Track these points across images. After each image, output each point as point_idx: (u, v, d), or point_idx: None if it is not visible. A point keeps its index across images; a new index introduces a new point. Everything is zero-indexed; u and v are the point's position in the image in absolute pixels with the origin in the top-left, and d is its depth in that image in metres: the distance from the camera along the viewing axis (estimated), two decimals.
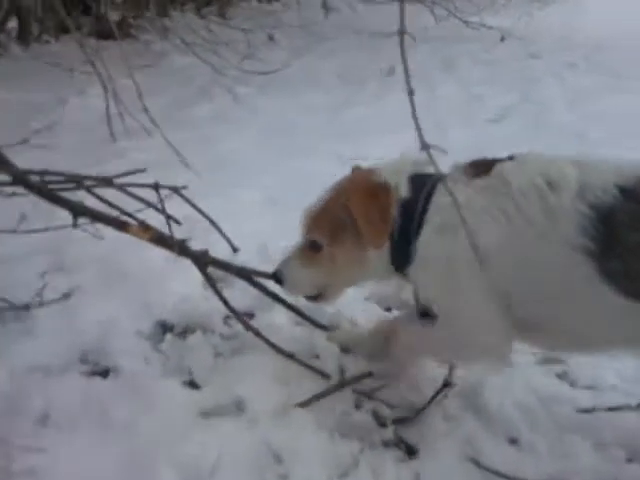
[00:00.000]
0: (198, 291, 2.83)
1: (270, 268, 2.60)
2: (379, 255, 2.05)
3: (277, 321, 2.56)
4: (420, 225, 1.96)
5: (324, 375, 2.23)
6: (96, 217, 2.57)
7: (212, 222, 3.02)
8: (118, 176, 2.84)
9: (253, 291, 2.67)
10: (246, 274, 2.63)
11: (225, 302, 2.47)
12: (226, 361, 2.38)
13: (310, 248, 2.13)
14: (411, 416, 2.10)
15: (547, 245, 1.77)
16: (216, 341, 2.51)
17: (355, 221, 2.01)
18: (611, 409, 2.14)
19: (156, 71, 6.55)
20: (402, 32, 1.77)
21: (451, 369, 2.21)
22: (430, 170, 1.85)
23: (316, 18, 8.58)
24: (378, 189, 2.02)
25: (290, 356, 2.29)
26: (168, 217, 2.61)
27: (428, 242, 1.95)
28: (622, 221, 1.69)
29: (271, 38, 7.69)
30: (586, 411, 2.13)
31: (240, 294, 2.78)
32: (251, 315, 2.69)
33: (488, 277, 1.82)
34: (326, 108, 5.42)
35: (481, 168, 1.95)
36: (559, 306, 1.83)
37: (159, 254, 3.10)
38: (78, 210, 2.50)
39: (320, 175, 2.42)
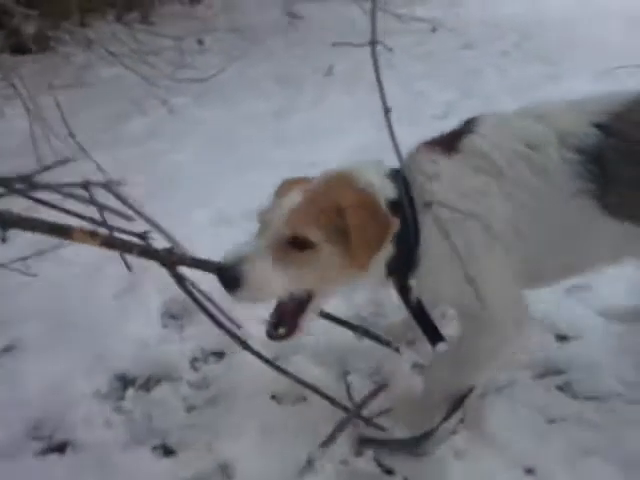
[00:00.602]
0: (158, 332, 2.56)
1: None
2: (375, 265, 1.83)
3: (250, 360, 2.29)
4: (416, 226, 1.81)
5: (337, 403, 1.99)
6: (31, 225, 2.00)
7: (152, 222, 2.53)
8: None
9: None
10: None
11: (201, 305, 2.13)
12: (201, 415, 2.11)
13: (290, 245, 1.74)
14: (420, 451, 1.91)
15: (550, 202, 1.79)
16: (186, 391, 2.24)
17: (348, 233, 1.73)
18: None
19: (81, 85, 6.12)
20: (374, 42, 1.59)
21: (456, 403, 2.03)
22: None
23: (246, 21, 8.29)
24: (379, 210, 1.79)
25: (297, 379, 2.00)
26: (102, 208, 2.17)
27: (434, 242, 1.79)
28: (610, 158, 1.74)
29: (201, 43, 7.35)
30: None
31: (206, 331, 2.51)
32: (220, 354, 2.43)
33: (504, 254, 1.82)
34: (268, 115, 5.16)
35: (442, 147, 1.87)
36: (570, 250, 1.88)
37: (108, 290, 2.81)
38: (8, 220, 1.94)
39: (274, 186, 2.16)
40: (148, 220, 2.49)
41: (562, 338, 2.39)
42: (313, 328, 2.46)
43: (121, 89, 5.90)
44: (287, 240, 1.74)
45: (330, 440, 1.89)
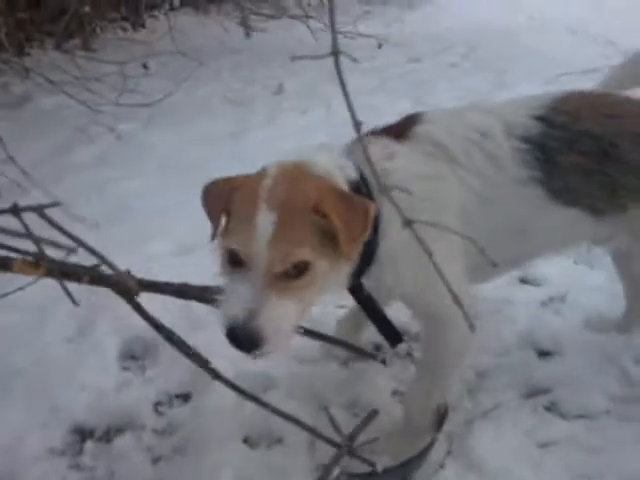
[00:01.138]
0: (116, 376, 2.37)
1: (200, 332, 2.20)
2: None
3: (219, 401, 2.14)
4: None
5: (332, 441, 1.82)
6: None
7: (95, 253, 2.25)
8: None
9: (187, 363, 2.23)
10: (192, 292, 2.05)
11: (165, 333, 1.92)
12: (168, 466, 1.94)
13: (289, 275, 1.56)
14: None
15: (502, 189, 1.82)
16: (150, 440, 2.06)
17: (332, 228, 1.57)
18: None
19: (21, 115, 5.84)
20: (336, 52, 1.48)
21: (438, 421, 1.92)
22: None
23: (190, 42, 8.14)
24: (354, 197, 1.68)
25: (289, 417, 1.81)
26: (38, 242, 1.94)
27: (392, 230, 1.72)
28: (553, 147, 1.81)
29: (146, 67, 7.15)
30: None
31: (169, 370, 2.35)
32: (186, 397, 2.26)
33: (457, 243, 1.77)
34: (222, 136, 5.01)
35: (392, 134, 1.84)
36: (521, 238, 1.90)
37: (59, 334, 2.60)
38: None
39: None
40: (90, 250, 2.22)
41: (544, 354, 2.32)
42: (283, 362, 2.33)
43: (64, 118, 5.66)
44: (287, 270, 1.55)
45: (325, 476, 1.75)
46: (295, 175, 1.66)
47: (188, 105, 5.81)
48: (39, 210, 2.04)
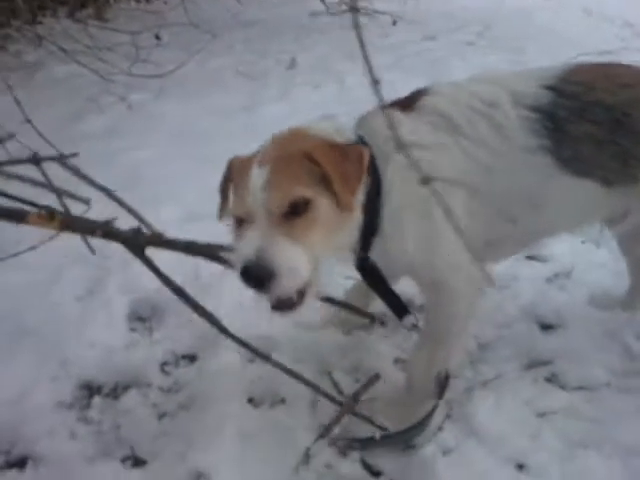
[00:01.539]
0: (124, 336, 2.41)
1: (207, 297, 2.22)
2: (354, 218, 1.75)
3: (225, 362, 2.18)
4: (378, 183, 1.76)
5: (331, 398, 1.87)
6: None
7: (120, 202, 2.30)
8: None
9: (193, 328, 2.27)
10: (200, 249, 2.02)
11: (176, 289, 1.90)
12: (173, 421, 1.97)
13: (289, 215, 1.59)
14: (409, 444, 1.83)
15: (508, 159, 1.81)
16: (156, 397, 2.10)
17: (327, 176, 1.61)
18: None
19: (34, 84, 5.84)
20: (355, 8, 1.47)
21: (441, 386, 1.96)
22: None
23: (203, 14, 8.09)
24: (344, 145, 1.73)
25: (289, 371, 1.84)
26: (59, 193, 2.00)
27: (397, 197, 1.77)
28: (563, 116, 1.80)
29: (158, 38, 7.13)
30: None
31: (176, 332, 2.39)
32: (192, 358, 2.30)
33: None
34: (233, 109, 5.00)
35: (398, 107, 1.85)
36: (532, 212, 1.88)
37: (70, 294, 2.64)
38: None
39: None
40: (112, 196, 2.28)
41: (546, 327, 2.33)
42: (287, 327, 2.36)
43: (76, 87, 5.67)
44: (286, 211, 1.58)
45: (327, 432, 1.81)
46: (289, 137, 1.77)
47: (200, 77, 5.80)
48: (60, 159, 2.08)
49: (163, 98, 5.28)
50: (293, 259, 1.55)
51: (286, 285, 1.55)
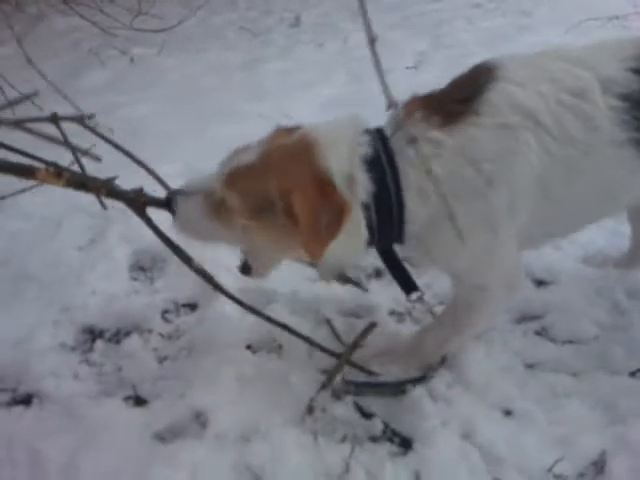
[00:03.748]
0: (126, 285, 2.46)
1: (208, 249, 2.24)
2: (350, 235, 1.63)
3: (225, 311, 2.23)
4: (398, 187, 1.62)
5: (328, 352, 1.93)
6: None
7: (133, 157, 2.50)
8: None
9: (194, 278, 2.31)
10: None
11: (173, 246, 1.92)
12: (174, 365, 2.04)
13: (222, 203, 1.68)
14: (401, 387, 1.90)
15: (595, 156, 1.66)
16: (157, 342, 2.16)
17: (294, 217, 1.55)
18: None
19: (34, 36, 5.80)
20: None
21: None
22: None
23: None
24: (331, 187, 1.57)
25: (284, 326, 1.92)
26: (74, 150, 2.10)
27: (427, 207, 1.64)
28: None
29: None
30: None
31: (177, 282, 2.44)
32: (193, 306, 2.35)
33: (519, 220, 1.71)
34: (235, 65, 4.99)
35: (443, 109, 1.63)
36: (606, 204, 1.83)
37: (72, 242, 2.69)
38: None
39: (244, 138, 1.98)
40: (127, 153, 2.45)
41: (539, 283, 2.38)
42: (286, 279, 2.40)
43: (77, 40, 5.64)
44: (220, 199, 1.68)
45: (328, 382, 1.86)
46: (288, 150, 1.64)
47: (203, 32, 5.76)
48: (79, 120, 2.14)
49: (165, 53, 5.26)
50: (192, 220, 1.72)
51: (177, 227, 1.74)
